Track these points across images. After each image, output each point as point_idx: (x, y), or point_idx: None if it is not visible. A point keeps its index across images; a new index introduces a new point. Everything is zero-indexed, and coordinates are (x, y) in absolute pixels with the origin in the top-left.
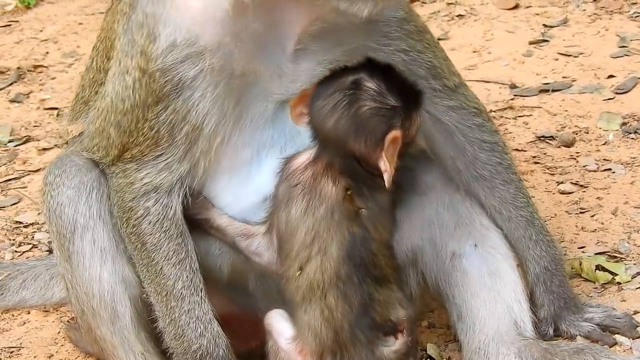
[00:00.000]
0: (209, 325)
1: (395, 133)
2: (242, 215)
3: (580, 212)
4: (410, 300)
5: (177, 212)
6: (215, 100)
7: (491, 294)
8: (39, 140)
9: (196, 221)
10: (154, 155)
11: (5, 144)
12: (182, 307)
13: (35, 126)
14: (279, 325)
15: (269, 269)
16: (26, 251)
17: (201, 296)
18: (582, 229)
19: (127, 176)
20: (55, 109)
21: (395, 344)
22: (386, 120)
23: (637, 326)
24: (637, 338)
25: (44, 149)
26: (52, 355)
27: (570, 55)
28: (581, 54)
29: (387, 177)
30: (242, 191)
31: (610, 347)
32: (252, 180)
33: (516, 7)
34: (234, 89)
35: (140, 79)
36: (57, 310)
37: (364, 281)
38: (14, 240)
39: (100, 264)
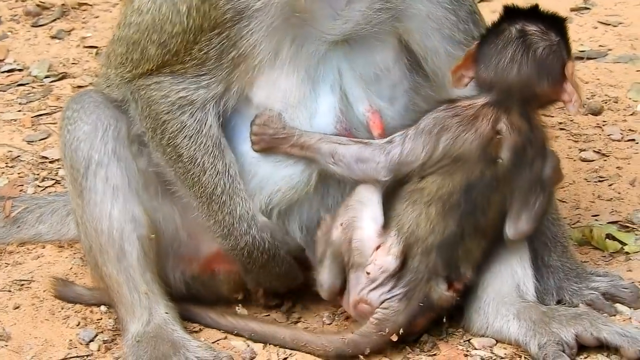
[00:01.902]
0: (252, 222)
1: (571, 63)
2: None
3: (599, 181)
4: None
5: (212, 126)
6: (270, 34)
7: (497, 257)
8: (75, 78)
9: (266, 141)
10: (196, 74)
11: (42, 80)
12: (223, 210)
13: (73, 63)
14: (373, 208)
15: (367, 176)
16: (49, 186)
17: (242, 197)
18: (598, 197)
19: (161, 89)
20: (95, 47)
21: (446, 292)
22: (559, 54)
23: None
24: (638, 308)
25: (79, 87)
26: None
27: (609, 25)
28: (620, 23)
29: (575, 105)
30: (306, 125)
31: (611, 316)
32: (315, 114)
33: None
34: (291, 26)
35: (199, 7)
36: (71, 247)
37: (467, 219)
38: (37, 174)
39: (111, 202)
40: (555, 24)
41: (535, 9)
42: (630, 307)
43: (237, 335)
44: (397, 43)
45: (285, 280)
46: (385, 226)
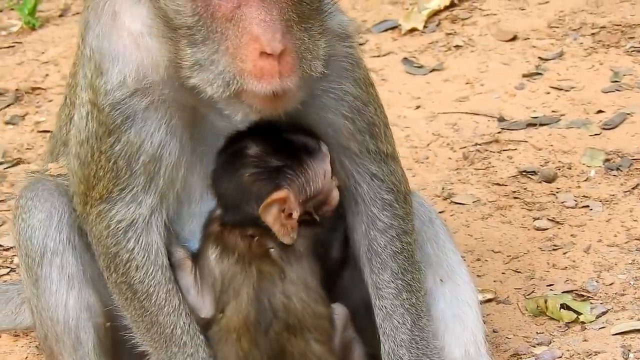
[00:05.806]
0: None
1: (280, 194)
2: None
3: (553, 249)
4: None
5: (159, 253)
6: (173, 131)
7: (452, 338)
8: (29, 163)
9: None
10: (119, 189)
11: None
12: (185, 352)
13: (27, 149)
14: None
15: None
16: (4, 274)
17: (201, 339)
18: (553, 266)
19: (102, 219)
20: (49, 131)
21: None
22: (268, 182)
23: None
24: None
25: (34, 172)
26: None
27: (561, 89)
28: (573, 88)
29: (281, 237)
30: (197, 224)
31: None
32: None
33: (514, 39)
34: (189, 122)
35: (92, 111)
36: (27, 335)
37: (273, 328)
38: None
39: (66, 290)
40: (301, 148)
41: (281, 130)
42: None
43: None
44: None
45: None
46: None
